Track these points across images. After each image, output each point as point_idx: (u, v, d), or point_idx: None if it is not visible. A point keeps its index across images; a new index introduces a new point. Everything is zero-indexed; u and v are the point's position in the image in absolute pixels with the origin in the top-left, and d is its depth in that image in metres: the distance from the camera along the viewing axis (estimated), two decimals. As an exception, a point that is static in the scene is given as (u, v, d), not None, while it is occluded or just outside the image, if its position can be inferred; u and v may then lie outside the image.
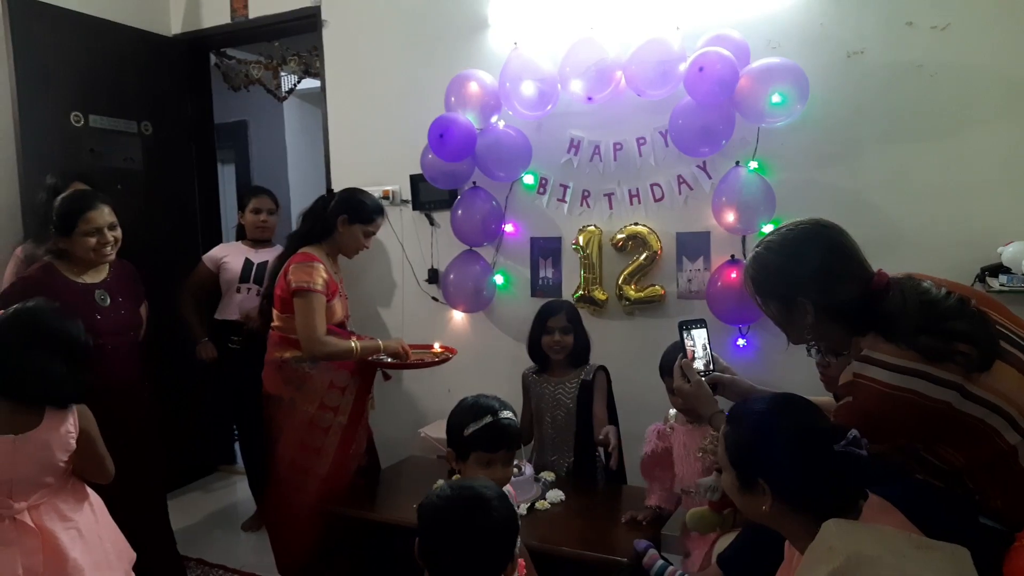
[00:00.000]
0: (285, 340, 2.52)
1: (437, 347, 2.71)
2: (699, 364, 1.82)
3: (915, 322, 1.36)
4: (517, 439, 1.69)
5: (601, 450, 2.30)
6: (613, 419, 2.51)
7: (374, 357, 2.57)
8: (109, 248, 2.38)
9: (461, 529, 1.32)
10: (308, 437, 2.51)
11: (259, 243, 3.28)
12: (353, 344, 2.48)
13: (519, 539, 1.67)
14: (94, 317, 2.35)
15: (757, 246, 1.57)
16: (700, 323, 1.87)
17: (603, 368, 2.52)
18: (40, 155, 3.16)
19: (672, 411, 2.19)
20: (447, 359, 2.65)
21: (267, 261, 3.21)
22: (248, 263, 3.21)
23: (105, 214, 2.36)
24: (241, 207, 3.31)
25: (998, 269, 2.26)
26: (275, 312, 2.55)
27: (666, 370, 2.13)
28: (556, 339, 2.50)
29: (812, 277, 1.46)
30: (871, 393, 1.37)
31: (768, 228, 2.47)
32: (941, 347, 1.33)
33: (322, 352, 2.44)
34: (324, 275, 2.46)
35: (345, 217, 2.55)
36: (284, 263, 2.54)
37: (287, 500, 2.55)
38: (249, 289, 3.21)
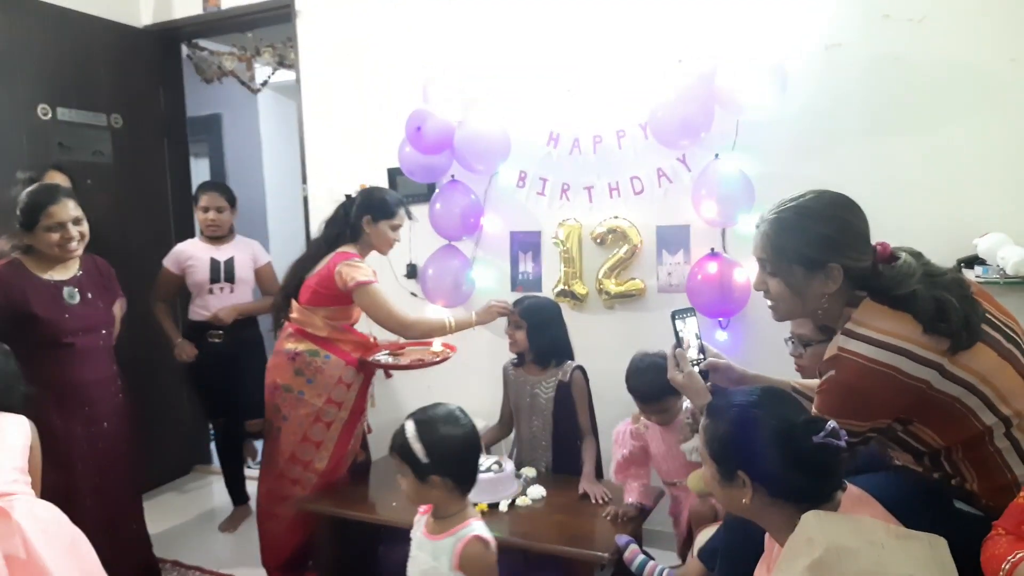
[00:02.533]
0: (302, 332, 2.53)
1: (438, 346, 2.69)
2: (691, 353, 1.81)
3: (920, 285, 1.38)
4: (404, 457, 1.65)
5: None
6: (592, 419, 2.51)
7: (373, 358, 2.58)
8: (74, 243, 2.31)
9: None
10: (312, 430, 2.53)
11: (217, 239, 3.23)
12: (446, 320, 2.57)
13: None
14: (61, 315, 2.30)
15: (778, 211, 1.50)
16: (691, 312, 1.86)
17: (580, 368, 2.51)
18: (6, 149, 3.09)
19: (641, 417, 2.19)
20: (447, 357, 2.63)
21: (232, 257, 3.19)
22: (215, 263, 3.17)
23: (69, 208, 2.29)
24: (195, 203, 3.25)
25: (974, 261, 2.28)
26: (296, 304, 2.56)
27: (637, 393, 2.12)
28: (508, 331, 2.53)
29: (851, 240, 1.45)
30: (852, 367, 1.38)
31: (747, 220, 2.47)
32: (935, 320, 1.34)
33: (417, 332, 2.56)
34: (370, 268, 2.53)
35: (369, 217, 2.57)
36: (310, 263, 2.56)
37: (283, 493, 2.54)
38: (222, 288, 3.18)
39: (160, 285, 3.22)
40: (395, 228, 2.61)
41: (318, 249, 2.61)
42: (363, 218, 2.56)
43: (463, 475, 1.67)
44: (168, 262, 3.21)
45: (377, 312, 2.48)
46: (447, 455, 1.62)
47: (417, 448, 1.61)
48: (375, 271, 2.54)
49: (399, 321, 2.49)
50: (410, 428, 1.65)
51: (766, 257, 1.52)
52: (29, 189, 2.36)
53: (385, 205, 2.59)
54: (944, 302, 1.36)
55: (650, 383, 2.05)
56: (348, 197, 2.67)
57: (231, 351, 3.17)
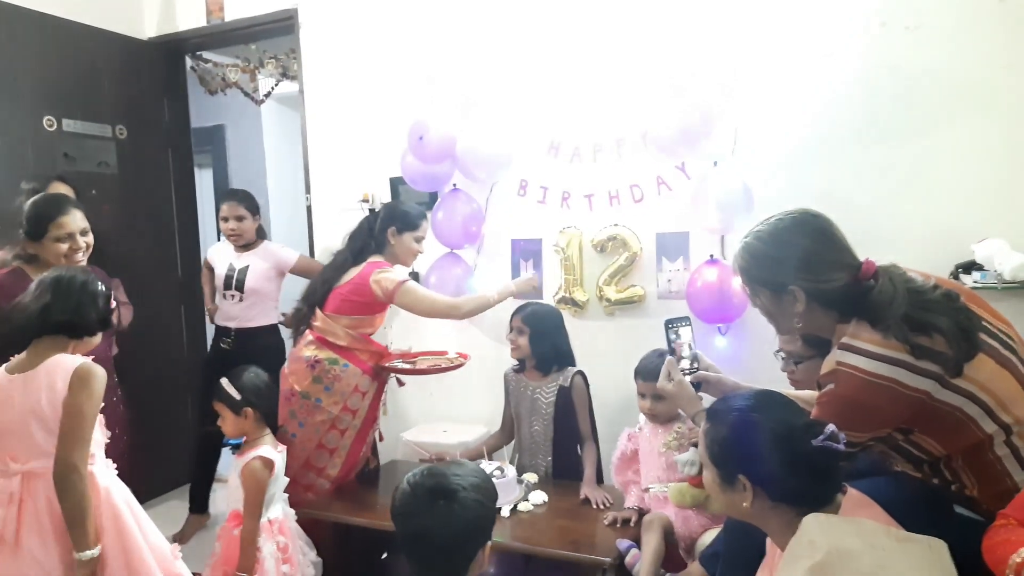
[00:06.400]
0: (323, 341, 2.58)
1: (452, 353, 2.73)
2: (684, 363, 1.82)
3: (903, 311, 1.37)
4: (223, 399, 2.23)
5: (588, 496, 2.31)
6: (592, 424, 2.52)
7: (389, 364, 2.65)
8: (80, 254, 2.34)
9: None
10: (327, 437, 2.57)
11: (243, 246, 3.25)
12: (489, 295, 2.67)
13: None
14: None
15: (746, 236, 1.57)
16: (685, 321, 1.88)
17: (581, 373, 2.53)
18: (12, 160, 3.11)
19: (642, 416, 2.22)
20: (460, 364, 2.67)
21: (248, 267, 3.21)
22: (230, 269, 3.20)
23: (77, 219, 2.32)
24: (217, 212, 3.30)
25: (972, 266, 2.30)
26: (321, 314, 2.60)
27: (640, 374, 2.16)
28: (510, 337, 2.55)
29: (802, 264, 1.46)
30: (852, 381, 1.38)
31: (745, 227, 2.48)
32: (924, 346, 1.34)
33: (465, 311, 2.64)
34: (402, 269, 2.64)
35: (394, 228, 2.64)
36: (336, 273, 2.62)
37: (295, 499, 2.55)
38: (233, 296, 3.20)
39: (204, 268, 3.40)
40: (419, 240, 2.69)
41: (344, 260, 2.66)
42: (387, 230, 2.63)
43: (264, 407, 2.25)
44: (207, 257, 3.37)
45: (422, 304, 2.56)
46: (252, 391, 2.23)
47: (231, 390, 2.22)
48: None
49: (447, 303, 2.59)
50: (224, 381, 2.26)
51: (742, 280, 1.59)
52: (36, 199, 2.38)
53: (408, 217, 2.66)
54: (931, 328, 1.35)
55: (654, 361, 2.09)
56: (372, 211, 2.75)
57: (243, 358, 3.17)
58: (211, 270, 3.31)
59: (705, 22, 2.61)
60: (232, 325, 3.20)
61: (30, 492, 1.76)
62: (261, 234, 3.31)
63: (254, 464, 2.15)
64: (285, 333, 3.28)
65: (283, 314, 3.29)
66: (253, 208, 3.25)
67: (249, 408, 2.22)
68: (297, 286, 2.96)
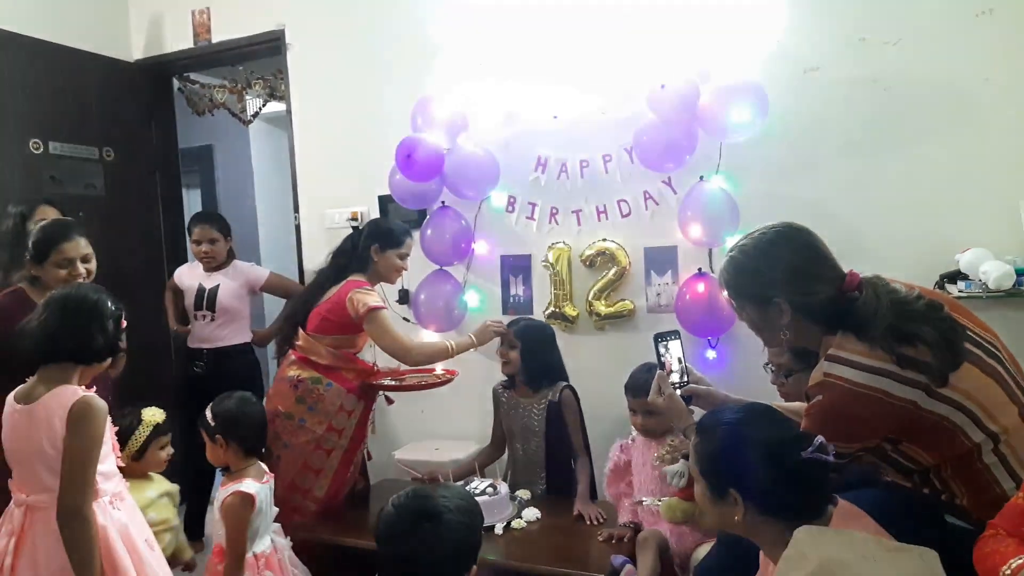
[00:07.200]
0: (306, 360, 2.56)
1: (439, 370, 2.71)
2: (674, 377, 1.83)
3: (887, 321, 1.38)
4: (201, 425, 2.17)
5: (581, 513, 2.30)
6: (585, 439, 2.52)
7: (376, 382, 2.61)
8: (80, 280, 2.35)
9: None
10: (312, 458, 2.54)
11: (213, 267, 3.25)
12: (448, 344, 2.58)
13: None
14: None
15: (731, 250, 1.59)
16: (675, 335, 1.88)
17: (570, 387, 2.53)
18: (-2, 183, 3.11)
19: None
20: (449, 380, 2.66)
21: (218, 286, 3.19)
22: (200, 289, 3.19)
23: (80, 246, 2.35)
24: (189, 235, 3.27)
25: (956, 276, 2.32)
26: (303, 333, 2.58)
27: (630, 389, 2.16)
28: (500, 351, 2.56)
29: (787, 277, 1.48)
30: (839, 392, 1.39)
31: (733, 240, 2.50)
32: (910, 356, 1.36)
33: (421, 358, 2.58)
34: (380, 295, 2.59)
35: (377, 246, 2.62)
36: (318, 292, 2.60)
37: (282, 521, 2.52)
38: (204, 316, 3.19)
39: (167, 288, 3.37)
40: (402, 257, 2.67)
41: (325, 279, 2.65)
42: (371, 247, 2.61)
43: (240, 436, 2.13)
44: (173, 278, 3.33)
45: (383, 337, 2.50)
46: (226, 420, 2.13)
47: (208, 416, 2.15)
48: (384, 300, 2.59)
49: (401, 346, 2.52)
50: (209, 406, 2.18)
51: (727, 294, 1.61)
52: (45, 224, 2.40)
53: (392, 235, 2.64)
54: (915, 338, 1.36)
55: (643, 376, 2.09)
56: (356, 229, 2.73)
57: (216, 382, 3.14)
58: (175, 292, 3.29)
59: (691, 39, 2.63)
60: (205, 346, 3.18)
61: (31, 525, 1.73)
62: (231, 255, 3.30)
63: (231, 501, 2.03)
64: (259, 352, 3.27)
65: (253, 332, 3.28)
66: (225, 230, 3.25)
67: (221, 437, 2.14)
68: (277, 306, 2.94)
